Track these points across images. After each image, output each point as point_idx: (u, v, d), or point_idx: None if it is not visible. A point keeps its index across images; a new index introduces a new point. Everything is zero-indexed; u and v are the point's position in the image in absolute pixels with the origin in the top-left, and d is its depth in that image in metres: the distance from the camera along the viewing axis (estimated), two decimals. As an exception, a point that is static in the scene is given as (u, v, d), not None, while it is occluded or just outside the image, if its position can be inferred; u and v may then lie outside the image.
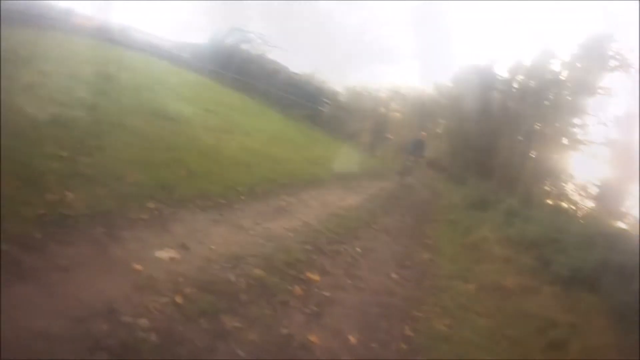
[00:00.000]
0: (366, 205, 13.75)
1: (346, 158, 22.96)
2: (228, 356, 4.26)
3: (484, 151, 26.05)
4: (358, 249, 9.01)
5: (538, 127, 21.68)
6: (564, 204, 20.96)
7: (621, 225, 17.69)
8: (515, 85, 26.64)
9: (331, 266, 7.52)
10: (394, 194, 18.70)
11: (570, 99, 21.99)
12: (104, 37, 25.10)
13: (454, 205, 20.92)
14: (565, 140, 21.50)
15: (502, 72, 28.38)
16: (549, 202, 21.01)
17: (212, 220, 7.33)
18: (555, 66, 24.77)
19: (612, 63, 21.19)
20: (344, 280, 7.25)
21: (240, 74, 32.06)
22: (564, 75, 24.19)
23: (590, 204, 21.25)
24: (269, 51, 38.18)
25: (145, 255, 5.28)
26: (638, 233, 15.98)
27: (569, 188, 22.23)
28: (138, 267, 4.92)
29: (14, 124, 7.00)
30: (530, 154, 20.94)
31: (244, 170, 10.81)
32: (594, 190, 21.51)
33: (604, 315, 8.37)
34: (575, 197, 21.73)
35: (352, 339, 5.46)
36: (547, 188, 22.59)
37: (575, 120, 22.15)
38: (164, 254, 5.50)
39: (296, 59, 40.86)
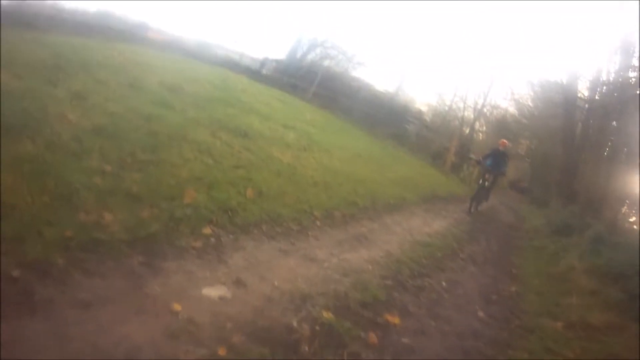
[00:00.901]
0: (452, 231, 12.81)
1: (431, 179, 22.55)
2: None
3: (566, 172, 24.69)
4: (444, 283, 8.03)
5: (622, 146, 20.26)
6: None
7: None
8: (598, 100, 25.44)
9: (414, 305, 6.48)
10: (480, 218, 17.76)
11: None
12: (179, 51, 25.04)
13: (538, 230, 19.82)
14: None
15: (582, 87, 26.85)
16: (636, 227, 19.66)
17: (280, 250, 6.36)
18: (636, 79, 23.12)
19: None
20: (427, 322, 6.20)
21: (322, 89, 31.54)
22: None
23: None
24: (353, 68, 38.04)
25: (189, 292, 4.43)
26: None
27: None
28: (177, 307, 4.04)
29: (54, 133, 6.26)
30: (615, 175, 19.55)
31: (321, 192, 9.87)
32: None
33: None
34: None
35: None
36: (633, 212, 21.18)
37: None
38: (213, 291, 4.60)
39: (381, 76, 40.69)
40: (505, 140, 19.36)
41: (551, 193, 28.79)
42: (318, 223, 8.12)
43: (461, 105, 42.08)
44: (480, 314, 7.43)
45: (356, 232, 8.69)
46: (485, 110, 42.98)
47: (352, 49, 38.71)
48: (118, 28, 23.54)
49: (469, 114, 41.45)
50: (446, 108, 42.36)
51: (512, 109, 45.83)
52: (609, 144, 21.87)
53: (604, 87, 24.86)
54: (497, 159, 17.96)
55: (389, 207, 12.03)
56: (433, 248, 9.85)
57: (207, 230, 5.76)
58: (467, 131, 40.42)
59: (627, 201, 20.53)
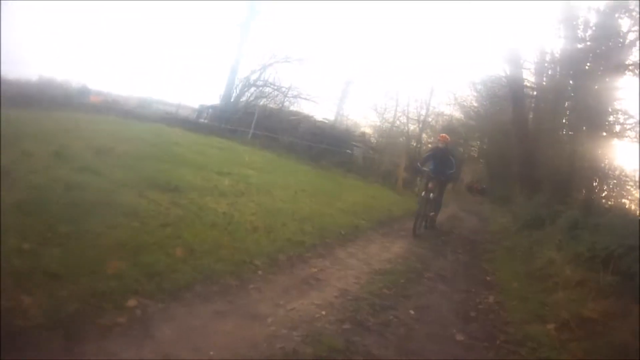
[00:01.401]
0: (414, 251, 12.23)
1: (385, 200, 21.92)
2: None
3: (525, 164, 24.13)
4: (412, 312, 7.34)
5: (580, 123, 19.54)
6: (627, 203, 18.95)
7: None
8: (546, 85, 24.93)
9: (379, 346, 5.79)
10: (441, 230, 17.23)
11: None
12: (119, 112, 24.77)
13: (506, 228, 19.66)
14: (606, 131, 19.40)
15: (528, 74, 26.51)
16: (610, 203, 18.97)
17: (216, 312, 5.67)
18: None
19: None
20: (397, 364, 5.50)
21: (261, 130, 31.31)
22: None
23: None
24: (291, 103, 37.93)
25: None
26: None
27: (623, 183, 20.21)
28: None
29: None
30: (577, 155, 18.80)
31: (262, 237, 9.05)
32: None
33: None
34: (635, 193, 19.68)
35: None
36: (605, 189, 20.49)
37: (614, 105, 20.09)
38: (138, 375, 3.90)
39: (322, 105, 40.75)
40: (444, 135, 17.14)
41: (513, 189, 28.51)
42: (260, 272, 7.40)
43: (404, 119, 42.56)
44: (460, 337, 6.82)
45: (305, 274, 8.02)
46: (430, 119, 43.15)
47: (286, 83, 38.94)
48: (60, 95, 23.36)
49: (415, 127, 42.03)
50: (389, 125, 42.89)
51: (457, 114, 46.09)
52: (566, 123, 21.11)
53: (549, 70, 24.56)
54: (440, 160, 15.75)
55: (340, 239, 11.36)
56: (395, 275, 9.26)
57: (132, 302, 5.14)
58: (415, 145, 40.71)
59: (596, 178, 19.80)
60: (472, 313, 8.06)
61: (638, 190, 19.08)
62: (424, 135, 42.62)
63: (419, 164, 16.62)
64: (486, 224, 23.45)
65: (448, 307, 8.11)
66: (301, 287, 7.28)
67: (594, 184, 20.20)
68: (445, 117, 45.50)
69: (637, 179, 19.51)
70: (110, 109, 24.95)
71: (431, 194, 15.16)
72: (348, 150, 29.98)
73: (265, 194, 13.24)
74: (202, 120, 35.53)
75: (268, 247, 8.61)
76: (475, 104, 44.92)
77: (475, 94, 43.77)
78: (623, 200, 19.36)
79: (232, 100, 36.84)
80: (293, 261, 8.49)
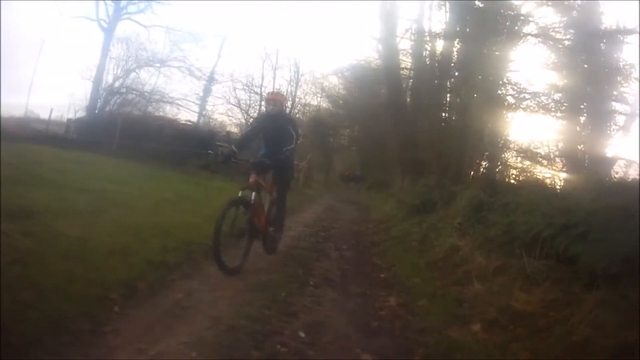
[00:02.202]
0: (292, 253, 11.31)
1: None
2: None
3: (405, 146, 23.32)
4: (301, 334, 6.29)
5: (467, 97, 18.51)
6: (532, 177, 18.00)
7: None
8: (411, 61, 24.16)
9: None
10: (319, 225, 16.64)
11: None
12: None
13: (392, 216, 18.98)
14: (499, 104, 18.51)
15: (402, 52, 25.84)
16: (512, 180, 18.02)
17: None
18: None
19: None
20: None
21: (125, 139, 30.24)
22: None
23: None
24: (155, 108, 37.22)
25: None
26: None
27: (519, 155, 19.33)
28: None
29: None
30: (469, 131, 17.76)
31: (120, 262, 7.74)
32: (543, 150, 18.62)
33: None
34: (536, 165, 18.80)
35: None
36: (508, 163, 19.50)
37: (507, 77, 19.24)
38: None
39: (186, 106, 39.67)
40: (274, 92, 11.68)
41: (392, 173, 27.88)
42: (117, 308, 6.22)
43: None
44: (366, 357, 5.87)
45: (169, 303, 6.85)
46: (296, 112, 42.71)
47: (149, 87, 39.43)
48: None
49: None
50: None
51: (324, 104, 45.79)
52: (451, 99, 20.07)
53: (428, 44, 23.48)
54: (272, 135, 10.42)
55: (208, 251, 9.68)
56: (274, 288, 8.19)
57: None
58: None
59: (487, 153, 18.78)
60: (374, 323, 7.12)
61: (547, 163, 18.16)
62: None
63: (233, 147, 10.50)
64: (368, 212, 22.83)
65: (344, 320, 7.13)
66: (166, 321, 6.15)
67: (491, 160, 19.14)
68: (311, 108, 45.21)
69: (534, 151, 18.67)
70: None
71: (259, 192, 10.16)
72: (210, 151, 28.73)
73: (123, 208, 11.89)
74: (70, 134, 33.97)
75: (125, 274, 7.36)
76: (343, 92, 44.83)
77: (342, 81, 43.69)
78: (532, 176, 18.30)
79: (96, 111, 35.90)
80: (155, 288, 7.30)
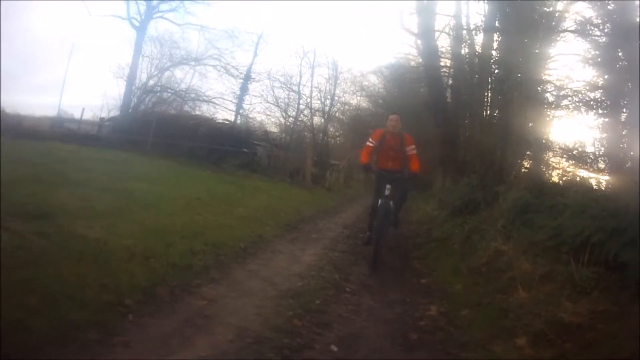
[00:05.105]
0: (330, 256, 10.87)
1: (293, 200, 20.85)
2: None
3: (446, 145, 22.76)
4: (334, 347, 5.71)
5: (509, 94, 18.05)
6: (576, 178, 17.47)
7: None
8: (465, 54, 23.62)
9: None
10: (359, 227, 15.80)
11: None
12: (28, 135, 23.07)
13: (433, 217, 18.34)
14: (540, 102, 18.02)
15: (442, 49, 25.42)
16: (557, 181, 17.50)
17: None
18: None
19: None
20: None
21: (160, 138, 29.67)
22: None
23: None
24: (191, 107, 37.14)
25: None
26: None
27: (562, 155, 18.82)
28: None
29: None
30: (510, 129, 17.29)
31: (139, 266, 7.33)
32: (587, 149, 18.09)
33: None
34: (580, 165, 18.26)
35: None
36: (550, 163, 18.95)
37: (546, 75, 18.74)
38: None
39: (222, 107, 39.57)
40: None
41: (433, 173, 27.52)
42: (131, 317, 5.70)
43: (308, 112, 41.78)
44: None
45: (190, 311, 6.30)
46: (334, 111, 42.46)
47: (184, 85, 38.52)
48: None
49: (320, 120, 41.64)
50: (292, 120, 42.07)
51: (364, 103, 45.47)
52: (492, 97, 19.59)
53: (467, 40, 22.97)
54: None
55: (240, 254, 9.70)
56: (308, 295, 7.69)
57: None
58: (322, 137, 40.09)
59: (529, 152, 18.30)
60: (414, 335, 6.53)
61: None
62: (330, 127, 42.10)
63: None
64: (408, 213, 21.86)
65: (381, 332, 6.59)
66: (184, 331, 5.62)
67: (534, 160, 18.66)
68: (351, 107, 44.88)
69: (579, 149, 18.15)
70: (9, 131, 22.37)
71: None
72: (244, 150, 28.86)
73: (150, 208, 11.36)
74: (102, 133, 33.59)
75: (145, 278, 6.96)
76: (383, 91, 44.45)
77: (381, 80, 43.32)
78: (574, 177, 17.79)
79: (130, 110, 35.39)
80: (176, 294, 6.81)
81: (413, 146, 11.33)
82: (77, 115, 36.10)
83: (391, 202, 10.78)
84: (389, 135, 11.38)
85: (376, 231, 10.48)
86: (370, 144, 11.32)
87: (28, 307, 5.05)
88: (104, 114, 36.84)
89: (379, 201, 10.84)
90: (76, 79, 63.71)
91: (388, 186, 10.72)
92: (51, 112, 37.03)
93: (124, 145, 27.28)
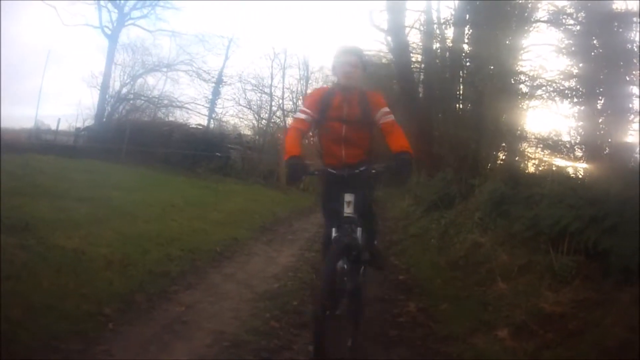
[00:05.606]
0: (307, 257, 10.96)
1: (267, 202, 21.03)
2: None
3: (420, 140, 22.67)
4: (311, 347, 5.44)
5: (482, 87, 18.07)
6: (552, 167, 17.48)
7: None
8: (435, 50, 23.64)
9: None
10: None
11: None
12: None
13: (409, 213, 18.40)
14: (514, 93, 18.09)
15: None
16: (533, 171, 17.56)
17: None
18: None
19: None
20: None
21: (134, 145, 30.00)
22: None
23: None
24: (164, 114, 37.28)
25: None
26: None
27: (537, 145, 18.92)
28: None
29: None
30: (476, 121, 17.31)
31: (117, 274, 7.36)
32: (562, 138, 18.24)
33: None
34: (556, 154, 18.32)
35: None
36: (526, 154, 19.03)
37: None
38: None
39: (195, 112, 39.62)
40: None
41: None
42: (111, 325, 5.74)
43: (280, 114, 42.76)
44: None
45: (168, 317, 6.32)
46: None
47: (157, 92, 38.84)
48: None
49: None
50: (265, 122, 42.73)
51: None
52: (464, 91, 19.61)
53: (438, 35, 23.03)
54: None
55: (216, 258, 9.78)
56: (284, 296, 7.69)
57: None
58: None
59: (504, 144, 18.35)
60: (393, 332, 6.51)
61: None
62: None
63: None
64: (384, 210, 22.17)
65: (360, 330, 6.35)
66: (163, 337, 5.67)
67: (509, 151, 18.71)
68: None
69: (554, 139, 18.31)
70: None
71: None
72: (218, 154, 28.88)
73: (126, 216, 11.45)
74: (78, 143, 33.61)
75: (123, 286, 7.02)
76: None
77: None
78: (550, 166, 17.84)
79: (104, 119, 35.53)
80: (154, 301, 6.83)
81: (386, 109, 6.08)
82: (53, 126, 36.43)
83: (358, 228, 5.58)
84: (339, 97, 5.90)
85: (348, 305, 5.43)
86: (303, 118, 6.06)
87: (12, 320, 5.07)
88: (79, 124, 36.97)
89: (333, 230, 5.55)
90: (52, 89, 63.83)
91: (347, 196, 5.58)
92: (28, 124, 37.61)
93: (99, 155, 27.25)
